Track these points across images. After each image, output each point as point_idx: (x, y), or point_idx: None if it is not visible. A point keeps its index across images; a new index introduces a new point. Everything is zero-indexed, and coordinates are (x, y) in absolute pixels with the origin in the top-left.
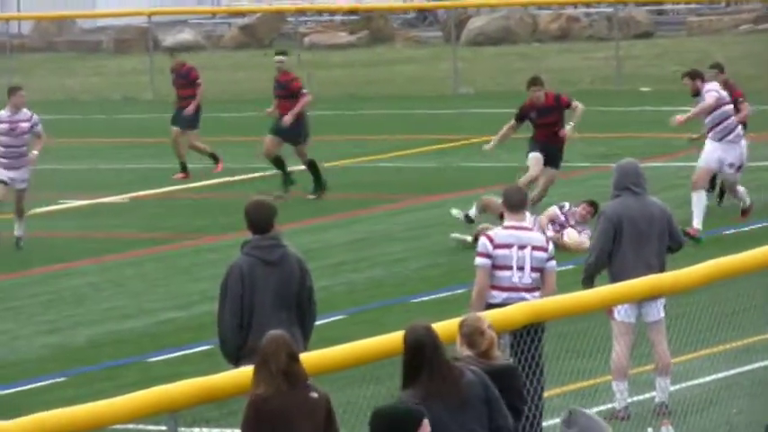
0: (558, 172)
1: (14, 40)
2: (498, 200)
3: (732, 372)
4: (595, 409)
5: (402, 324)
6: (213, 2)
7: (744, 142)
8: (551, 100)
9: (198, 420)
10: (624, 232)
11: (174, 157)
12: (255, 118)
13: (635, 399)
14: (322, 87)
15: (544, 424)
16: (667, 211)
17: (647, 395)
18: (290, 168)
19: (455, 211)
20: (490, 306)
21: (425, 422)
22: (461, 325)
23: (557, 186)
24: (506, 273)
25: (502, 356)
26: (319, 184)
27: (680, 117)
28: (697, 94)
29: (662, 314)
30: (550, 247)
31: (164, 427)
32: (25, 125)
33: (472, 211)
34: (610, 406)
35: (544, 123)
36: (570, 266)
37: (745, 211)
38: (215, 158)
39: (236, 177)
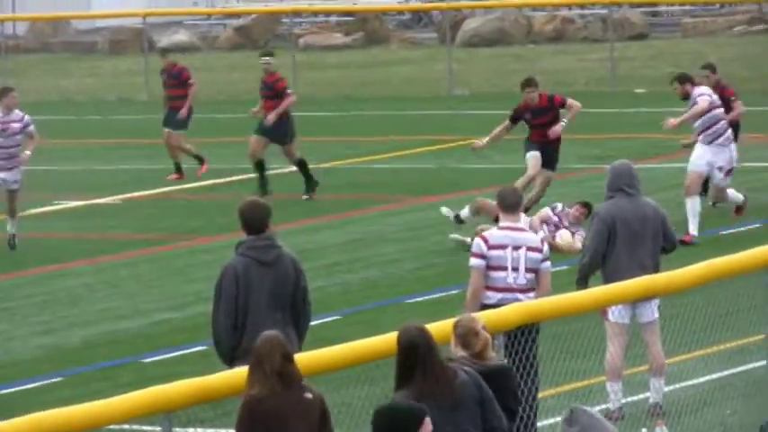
0: (554, 174)
1: (9, 41)
2: (493, 203)
3: (726, 372)
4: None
5: (397, 325)
6: (208, 3)
7: (734, 146)
8: (545, 101)
9: (192, 421)
10: (618, 233)
11: (169, 158)
12: (250, 119)
13: (629, 399)
14: (317, 88)
15: (539, 424)
16: (661, 211)
17: (642, 396)
18: (279, 170)
19: (445, 210)
20: (485, 307)
21: (427, 420)
22: (456, 326)
23: (552, 187)
24: (501, 273)
25: (496, 357)
26: (310, 184)
27: (673, 120)
28: (686, 97)
29: (656, 315)
30: (545, 247)
31: (158, 428)
32: (17, 126)
33: (464, 213)
34: (604, 407)
35: (539, 124)
36: (564, 267)
37: (739, 208)
38: (200, 160)
39: (233, 178)
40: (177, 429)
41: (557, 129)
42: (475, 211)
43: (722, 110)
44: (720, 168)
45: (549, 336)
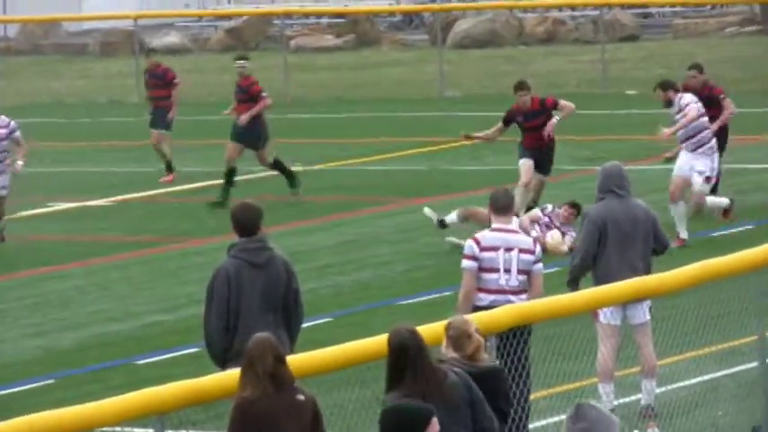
0: (547, 178)
1: (0, 43)
2: (481, 210)
3: (718, 374)
4: None
5: (388, 327)
6: (199, 5)
7: (716, 155)
8: (537, 104)
9: (184, 423)
10: (608, 235)
11: (159, 160)
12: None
13: (621, 401)
14: (308, 90)
15: (530, 426)
16: (651, 213)
17: (633, 397)
18: (268, 173)
19: (428, 211)
20: (477, 308)
21: (434, 420)
22: (448, 327)
23: (544, 188)
24: (493, 275)
25: (488, 358)
26: (292, 180)
27: (667, 131)
28: (669, 104)
29: (648, 316)
30: (537, 249)
31: (151, 430)
32: (2, 132)
33: (450, 218)
34: None
35: (531, 127)
36: (556, 269)
37: (726, 211)
38: (169, 168)
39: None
40: (169, 431)
41: (549, 127)
42: (463, 219)
43: (707, 119)
44: (700, 173)
45: (541, 337)
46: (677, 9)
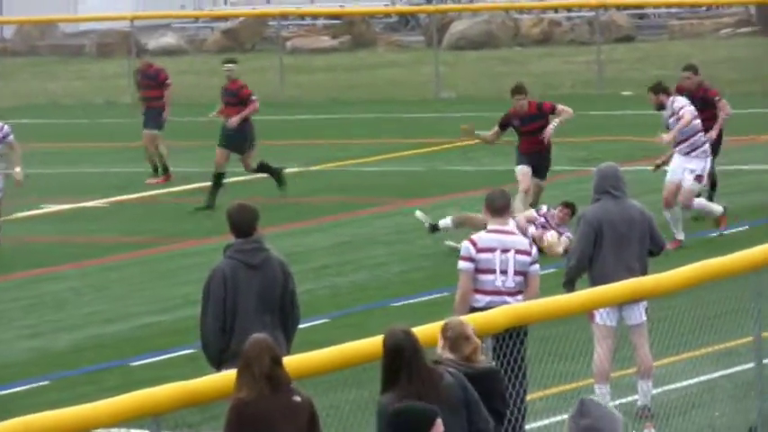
0: (544, 182)
1: None
2: (476, 215)
3: (714, 375)
4: None
5: (385, 328)
6: (196, 6)
7: (710, 159)
8: (534, 108)
9: (180, 424)
10: (604, 236)
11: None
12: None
13: (617, 402)
14: (304, 91)
15: (527, 427)
16: (647, 214)
17: (630, 398)
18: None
19: (419, 214)
20: (473, 310)
21: (438, 421)
22: (445, 329)
23: (542, 192)
24: (489, 276)
25: (484, 360)
26: (280, 179)
27: (666, 137)
28: (661, 108)
29: (644, 317)
30: (534, 250)
31: (146, 431)
32: None
33: (444, 222)
34: None
35: (528, 131)
36: (552, 270)
37: (719, 220)
38: (156, 170)
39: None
40: None
41: (547, 132)
42: (458, 224)
43: (700, 122)
44: (692, 171)
45: (537, 338)
46: (673, 10)
